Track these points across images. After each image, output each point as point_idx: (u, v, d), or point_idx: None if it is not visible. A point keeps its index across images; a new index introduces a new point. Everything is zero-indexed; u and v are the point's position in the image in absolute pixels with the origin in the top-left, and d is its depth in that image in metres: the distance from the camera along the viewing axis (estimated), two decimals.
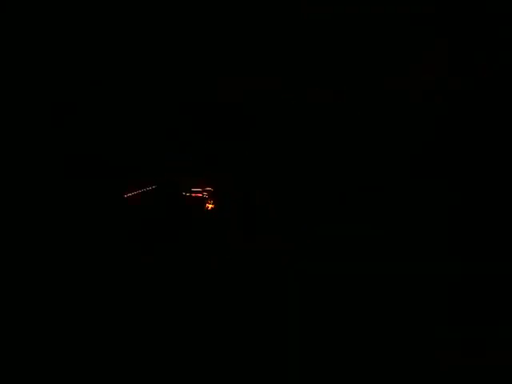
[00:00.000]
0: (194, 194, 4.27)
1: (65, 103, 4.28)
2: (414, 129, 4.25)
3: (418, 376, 3.78)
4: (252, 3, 4.29)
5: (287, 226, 4.17)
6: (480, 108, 4.23)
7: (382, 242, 4.08)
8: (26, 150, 4.23)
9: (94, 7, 4.26)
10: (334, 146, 4.28)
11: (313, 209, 4.20)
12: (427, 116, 4.26)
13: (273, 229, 4.17)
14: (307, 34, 4.30)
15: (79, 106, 4.29)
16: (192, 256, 4.12)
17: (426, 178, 4.21)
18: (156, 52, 4.31)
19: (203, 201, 4.27)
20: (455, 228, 4.12)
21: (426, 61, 4.27)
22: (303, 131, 4.30)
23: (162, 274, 4.07)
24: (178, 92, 4.32)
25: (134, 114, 4.31)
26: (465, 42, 4.26)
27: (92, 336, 3.91)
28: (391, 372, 3.81)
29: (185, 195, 4.27)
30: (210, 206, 4.26)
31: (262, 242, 4.13)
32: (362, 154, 4.27)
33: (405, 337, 3.88)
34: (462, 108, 4.24)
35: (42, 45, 4.26)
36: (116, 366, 3.84)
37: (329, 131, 4.29)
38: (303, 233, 4.14)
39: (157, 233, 4.18)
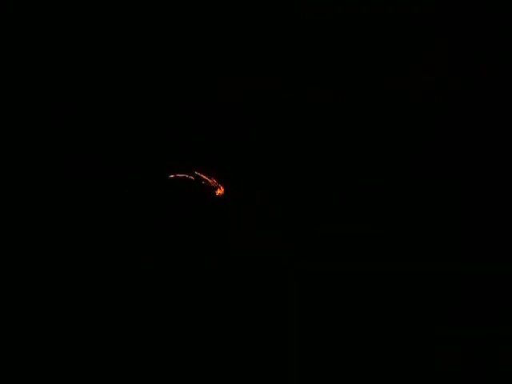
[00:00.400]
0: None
1: (65, 103, 4.28)
2: (413, 129, 4.25)
3: (418, 376, 3.79)
4: (252, 3, 4.29)
5: (287, 226, 4.17)
6: (480, 108, 4.23)
7: (382, 242, 4.08)
8: (26, 150, 4.23)
9: (94, 7, 4.26)
10: (333, 145, 4.28)
11: (313, 209, 4.20)
12: (427, 116, 4.25)
13: (273, 229, 4.17)
14: (307, 33, 4.30)
15: (79, 106, 4.29)
16: (192, 256, 4.12)
17: (426, 177, 4.21)
18: (156, 52, 4.31)
19: (203, 200, 4.27)
20: (455, 228, 4.11)
21: (425, 61, 4.27)
22: (303, 131, 4.30)
23: (162, 274, 4.07)
24: (178, 92, 4.32)
25: (133, 114, 4.31)
26: (465, 42, 4.26)
27: (92, 335, 3.91)
28: (391, 372, 3.81)
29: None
30: (210, 206, 4.26)
31: (262, 242, 4.13)
32: (361, 153, 4.27)
33: (405, 337, 3.88)
34: (461, 108, 4.24)
35: (42, 45, 4.26)
36: (116, 366, 3.84)
37: (329, 131, 4.29)
38: (303, 233, 4.14)
39: (157, 232, 4.18)
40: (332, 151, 4.28)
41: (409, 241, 4.09)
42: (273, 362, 3.84)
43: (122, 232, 4.17)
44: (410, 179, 4.21)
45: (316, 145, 4.29)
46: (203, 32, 4.31)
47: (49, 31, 4.25)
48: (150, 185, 4.27)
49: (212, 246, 4.14)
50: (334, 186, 4.23)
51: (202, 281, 4.05)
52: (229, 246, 4.13)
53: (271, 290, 4.00)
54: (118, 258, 4.10)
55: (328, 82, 4.30)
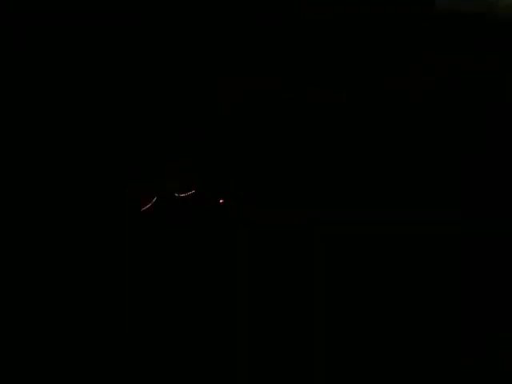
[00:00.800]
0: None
1: (65, 103, 4.29)
2: (413, 129, 4.25)
3: (417, 376, 3.78)
4: (252, 3, 4.30)
5: (287, 226, 4.17)
6: (480, 108, 4.23)
7: (381, 242, 4.09)
8: (26, 150, 4.24)
9: (93, 6, 4.27)
10: (334, 146, 4.29)
11: (312, 208, 4.20)
12: (427, 116, 4.26)
13: (273, 228, 4.17)
14: (307, 34, 4.30)
15: (79, 105, 4.29)
16: (192, 255, 4.12)
17: (426, 178, 4.21)
18: (156, 52, 4.32)
19: (203, 201, 4.27)
20: (456, 230, 4.11)
21: (425, 61, 4.28)
22: (303, 131, 4.30)
23: (162, 273, 4.07)
24: (178, 92, 4.33)
25: (133, 114, 4.31)
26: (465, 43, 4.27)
27: (91, 334, 3.91)
28: (391, 372, 3.80)
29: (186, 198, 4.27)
30: (210, 207, 4.26)
31: (261, 241, 4.13)
32: (361, 153, 4.27)
33: (404, 336, 3.88)
34: (461, 108, 4.24)
35: (41, 44, 4.26)
36: (116, 365, 3.84)
37: (329, 131, 4.29)
38: (303, 232, 4.14)
39: (157, 233, 4.18)
40: (332, 151, 4.28)
41: (409, 242, 4.09)
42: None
43: (122, 232, 4.17)
44: (410, 179, 4.21)
45: (316, 145, 4.29)
46: (203, 32, 4.32)
47: (48, 30, 4.26)
48: (150, 185, 4.27)
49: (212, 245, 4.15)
50: (334, 185, 4.24)
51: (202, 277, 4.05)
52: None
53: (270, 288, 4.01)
54: (118, 257, 4.10)
55: (328, 82, 4.30)
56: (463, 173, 4.20)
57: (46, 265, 4.04)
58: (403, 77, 4.27)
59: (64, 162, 4.23)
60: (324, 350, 3.84)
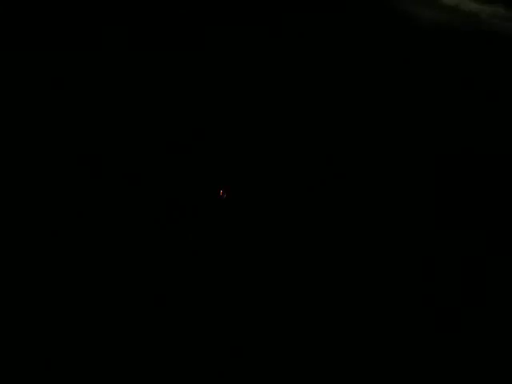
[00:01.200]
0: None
1: (65, 103, 4.31)
2: (413, 129, 4.26)
3: (416, 374, 3.76)
4: (252, 3, 4.33)
5: (287, 225, 4.17)
6: (480, 108, 4.25)
7: (381, 241, 4.08)
8: (27, 151, 4.25)
9: (93, 6, 4.30)
10: (334, 146, 4.30)
11: (312, 208, 4.21)
12: (427, 116, 4.27)
13: (273, 227, 4.17)
14: (307, 33, 4.33)
15: (80, 105, 4.31)
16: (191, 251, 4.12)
17: (427, 178, 4.21)
18: (156, 51, 4.34)
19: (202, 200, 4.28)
20: (457, 230, 4.11)
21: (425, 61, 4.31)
22: (303, 131, 4.31)
23: (162, 272, 4.07)
24: (178, 91, 4.34)
25: (133, 114, 4.33)
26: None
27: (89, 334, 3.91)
28: (389, 371, 3.79)
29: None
30: (209, 207, 4.26)
31: (261, 240, 4.13)
32: (362, 154, 4.28)
33: (403, 335, 3.87)
34: (461, 108, 4.26)
35: (41, 43, 4.29)
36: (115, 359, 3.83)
37: (329, 131, 4.30)
38: (300, 231, 4.14)
39: (157, 232, 4.18)
40: (332, 151, 4.29)
41: (409, 243, 4.09)
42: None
43: (123, 232, 4.17)
44: (410, 180, 4.22)
45: (316, 145, 4.30)
46: (203, 31, 4.34)
47: (48, 30, 4.29)
48: (152, 186, 4.28)
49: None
50: (334, 185, 4.24)
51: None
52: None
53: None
54: (117, 258, 4.10)
55: (328, 81, 4.32)
56: (463, 173, 4.21)
57: (44, 264, 4.04)
58: (403, 76, 4.29)
59: (64, 163, 4.25)
60: (321, 347, 3.84)
